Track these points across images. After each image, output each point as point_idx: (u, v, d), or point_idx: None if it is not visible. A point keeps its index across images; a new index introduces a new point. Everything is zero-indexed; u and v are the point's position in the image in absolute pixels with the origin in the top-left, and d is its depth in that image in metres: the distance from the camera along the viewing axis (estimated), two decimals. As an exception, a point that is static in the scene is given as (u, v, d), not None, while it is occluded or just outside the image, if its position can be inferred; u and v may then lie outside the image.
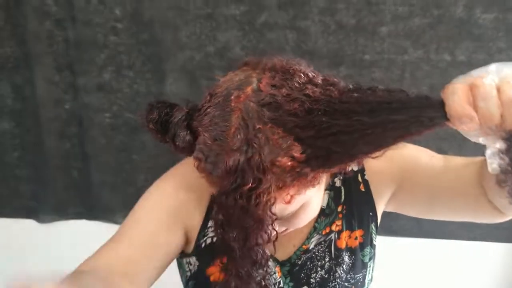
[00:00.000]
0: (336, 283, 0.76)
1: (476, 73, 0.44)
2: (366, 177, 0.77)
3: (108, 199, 1.45)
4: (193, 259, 0.74)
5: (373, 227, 0.79)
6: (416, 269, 1.52)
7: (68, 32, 1.27)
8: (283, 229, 0.67)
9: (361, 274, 0.78)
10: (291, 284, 0.77)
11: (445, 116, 0.45)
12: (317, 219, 0.76)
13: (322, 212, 0.76)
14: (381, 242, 1.41)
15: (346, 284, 0.77)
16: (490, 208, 0.68)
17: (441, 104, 0.45)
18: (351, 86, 0.52)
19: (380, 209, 0.79)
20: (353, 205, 0.77)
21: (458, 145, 1.32)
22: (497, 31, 1.19)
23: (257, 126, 0.50)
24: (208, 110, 0.55)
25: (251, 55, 1.24)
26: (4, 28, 1.29)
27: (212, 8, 1.22)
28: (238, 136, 0.51)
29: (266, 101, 0.51)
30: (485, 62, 1.30)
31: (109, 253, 0.66)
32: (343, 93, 0.51)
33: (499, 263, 1.50)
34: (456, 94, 0.43)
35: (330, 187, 0.77)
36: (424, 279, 1.53)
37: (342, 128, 0.48)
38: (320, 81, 0.53)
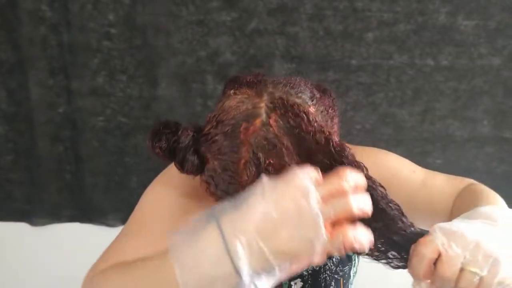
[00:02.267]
0: (326, 275, 0.79)
1: (451, 228, 0.51)
2: None
3: (101, 202, 1.46)
4: None
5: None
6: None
7: (62, 36, 1.29)
8: None
9: (347, 267, 0.81)
10: None
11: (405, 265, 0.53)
12: None
13: None
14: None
15: (335, 276, 0.79)
16: None
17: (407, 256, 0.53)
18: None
19: None
20: None
21: (442, 147, 1.36)
22: (478, 37, 1.24)
23: (267, 161, 0.52)
24: (216, 138, 0.56)
25: (241, 61, 1.28)
26: (-1, 32, 1.31)
27: (204, 15, 1.25)
28: (250, 169, 0.53)
29: (273, 142, 0.53)
30: (467, 67, 1.35)
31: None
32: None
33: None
34: (422, 261, 0.50)
35: None
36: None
37: None
38: (319, 127, 0.54)
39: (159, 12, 1.25)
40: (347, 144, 0.55)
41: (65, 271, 1.59)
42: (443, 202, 0.72)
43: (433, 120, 1.33)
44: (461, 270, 0.48)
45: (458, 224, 0.51)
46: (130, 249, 0.65)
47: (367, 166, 0.77)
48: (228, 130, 0.55)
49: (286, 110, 0.54)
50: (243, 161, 0.53)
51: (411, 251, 0.51)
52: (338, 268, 0.80)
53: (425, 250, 0.50)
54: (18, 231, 1.53)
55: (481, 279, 0.48)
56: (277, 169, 0.52)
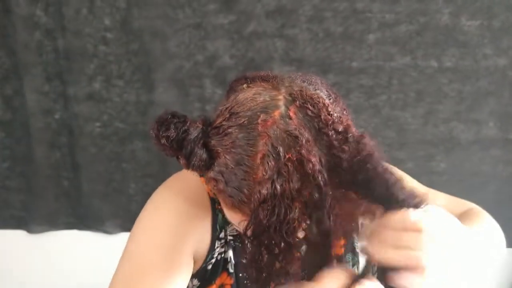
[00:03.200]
0: None
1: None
2: None
3: (99, 209, 1.44)
4: (194, 281, 0.71)
5: (355, 236, 0.79)
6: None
7: (57, 42, 1.27)
8: None
9: None
10: None
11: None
12: None
13: None
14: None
15: None
16: None
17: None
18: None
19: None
20: None
21: (446, 150, 1.33)
22: (482, 38, 1.21)
23: (287, 155, 0.48)
24: (230, 130, 0.52)
25: (240, 64, 1.26)
26: (-6, 38, 1.30)
27: (201, 18, 1.23)
28: (269, 164, 0.49)
29: (294, 134, 0.49)
30: (472, 68, 1.32)
31: None
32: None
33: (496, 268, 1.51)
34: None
35: None
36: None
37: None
38: (338, 117, 0.52)
39: (155, 16, 1.23)
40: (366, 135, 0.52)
41: (62, 278, 1.58)
42: None
43: (437, 123, 1.30)
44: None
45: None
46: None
47: None
48: (244, 121, 0.51)
49: (305, 101, 0.51)
50: (260, 155, 0.49)
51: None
52: None
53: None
54: (15, 239, 1.52)
55: None
56: (296, 165, 0.48)
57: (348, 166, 0.48)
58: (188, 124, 0.54)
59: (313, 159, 0.48)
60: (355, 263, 0.79)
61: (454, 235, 0.48)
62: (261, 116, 0.50)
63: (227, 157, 0.51)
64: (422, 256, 0.45)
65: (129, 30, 1.25)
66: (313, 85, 0.55)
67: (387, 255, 0.47)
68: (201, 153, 0.54)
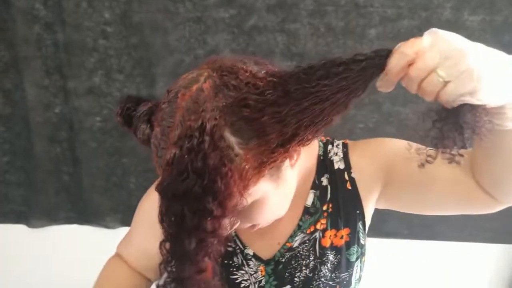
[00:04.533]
0: (320, 282, 0.76)
1: (441, 34, 0.48)
2: (352, 175, 0.77)
3: (99, 203, 1.44)
4: None
5: (361, 226, 0.78)
6: (406, 270, 1.53)
7: (57, 35, 1.27)
8: (237, 225, 0.65)
9: (346, 273, 0.78)
10: (274, 283, 0.77)
11: (383, 66, 0.50)
12: (301, 218, 0.76)
13: (307, 211, 0.76)
14: (372, 244, 1.42)
15: (330, 283, 0.76)
16: (482, 195, 0.68)
17: (387, 55, 0.50)
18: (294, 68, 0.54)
19: (368, 207, 0.79)
20: (339, 204, 0.76)
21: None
22: (484, 33, 1.21)
23: (188, 123, 0.52)
24: (163, 106, 0.57)
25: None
26: (-7, 32, 1.29)
27: (201, 12, 1.22)
28: (176, 132, 0.53)
29: (200, 102, 0.53)
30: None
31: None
32: (288, 74, 0.53)
33: (489, 264, 1.51)
34: (402, 59, 0.48)
35: (316, 186, 0.77)
36: (415, 281, 1.54)
37: (296, 101, 0.51)
38: (262, 75, 0.55)
39: (155, 10, 1.22)
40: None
41: (63, 273, 1.58)
42: (459, 168, 0.69)
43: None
44: (432, 71, 0.47)
45: (456, 35, 0.49)
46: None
47: (376, 155, 0.77)
48: (171, 97, 0.56)
49: (223, 71, 0.55)
50: (175, 125, 0.53)
51: (395, 48, 0.50)
52: (334, 274, 0.77)
53: (406, 48, 0.48)
54: (15, 233, 1.53)
55: (445, 85, 0.47)
56: (192, 133, 0.51)
57: (296, 89, 0.51)
58: (140, 105, 0.62)
59: (216, 122, 0.51)
60: (359, 256, 0.79)
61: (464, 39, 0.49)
62: (182, 91, 0.55)
63: (157, 129, 0.57)
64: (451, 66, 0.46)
65: (129, 24, 1.25)
66: (242, 61, 0.58)
67: (423, 90, 0.49)
68: (145, 128, 0.60)
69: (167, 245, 0.54)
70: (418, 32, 1.20)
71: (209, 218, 0.51)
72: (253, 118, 0.51)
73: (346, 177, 0.77)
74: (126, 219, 1.46)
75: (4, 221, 1.51)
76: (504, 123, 0.52)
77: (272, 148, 0.53)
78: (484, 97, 0.47)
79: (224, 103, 0.52)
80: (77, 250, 1.54)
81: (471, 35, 1.19)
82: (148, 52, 1.27)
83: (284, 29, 1.23)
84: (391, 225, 1.40)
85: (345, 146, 0.79)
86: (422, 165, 0.56)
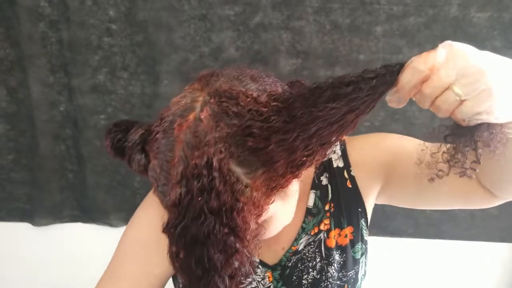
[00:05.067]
0: (328, 282, 0.75)
1: (457, 48, 0.45)
2: (352, 173, 0.76)
3: (103, 202, 1.44)
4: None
5: (363, 223, 0.78)
6: (412, 269, 1.52)
7: (62, 33, 1.27)
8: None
9: (353, 271, 0.77)
10: (282, 287, 0.76)
11: (394, 82, 0.48)
12: (304, 219, 0.75)
13: (309, 212, 0.76)
14: (378, 243, 1.42)
15: (338, 282, 0.76)
16: (481, 191, 0.67)
17: (399, 70, 0.48)
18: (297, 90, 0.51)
19: (369, 204, 0.78)
20: (341, 203, 0.76)
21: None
22: (492, 30, 1.19)
23: (192, 162, 0.48)
24: (157, 136, 0.53)
25: (246, 56, 1.25)
26: (-3, 30, 1.29)
27: (206, 9, 1.21)
28: (179, 169, 0.49)
29: (200, 136, 0.49)
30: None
31: None
32: (292, 99, 0.50)
33: (496, 263, 1.50)
34: (415, 75, 0.46)
35: (316, 186, 0.76)
36: (421, 280, 1.53)
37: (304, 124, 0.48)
38: (264, 99, 0.51)
39: (160, 7, 1.22)
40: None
41: (67, 272, 1.58)
42: None
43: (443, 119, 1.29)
44: (447, 88, 0.45)
45: (472, 49, 0.46)
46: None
47: (375, 151, 0.75)
48: (166, 127, 0.52)
49: (221, 96, 0.51)
50: (175, 160, 0.50)
51: (407, 63, 0.48)
52: (341, 273, 0.76)
53: (420, 64, 0.46)
54: (20, 231, 1.52)
55: (461, 103, 0.45)
56: (200, 171, 0.48)
57: (303, 112, 0.48)
58: (129, 133, 0.58)
59: (222, 156, 0.48)
60: (364, 252, 0.79)
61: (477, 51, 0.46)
62: (178, 121, 0.51)
63: (155, 162, 0.53)
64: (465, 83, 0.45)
65: (134, 22, 1.24)
66: (243, 81, 0.54)
67: (438, 108, 0.47)
68: (140, 158, 0.57)
69: None
70: (424, 29, 1.19)
71: (234, 254, 0.49)
72: (259, 148, 0.48)
73: (346, 175, 0.76)
74: (130, 218, 1.44)
75: (9, 219, 1.51)
76: None
77: (280, 174, 0.50)
78: (501, 116, 0.45)
79: (226, 133, 0.48)
80: (81, 248, 1.54)
81: (479, 32, 1.19)
82: (153, 50, 1.26)
83: (290, 27, 1.22)
84: (397, 224, 1.39)
85: (342, 143, 0.78)
86: (432, 180, 0.54)
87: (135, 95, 1.32)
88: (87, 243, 1.51)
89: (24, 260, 1.58)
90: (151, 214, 0.70)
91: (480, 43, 1.20)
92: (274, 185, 0.51)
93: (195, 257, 0.49)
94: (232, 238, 0.48)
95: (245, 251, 0.50)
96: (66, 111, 1.36)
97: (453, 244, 1.43)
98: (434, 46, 1.30)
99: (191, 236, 0.48)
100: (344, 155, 0.77)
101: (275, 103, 0.50)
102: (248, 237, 0.50)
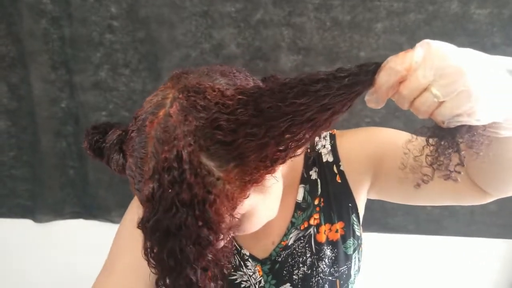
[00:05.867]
0: (319, 277, 0.75)
1: (435, 48, 0.44)
2: (341, 167, 0.76)
3: (104, 198, 1.44)
4: None
5: (354, 218, 0.77)
6: (412, 265, 1.52)
7: (63, 30, 1.27)
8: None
9: (345, 266, 0.77)
10: (273, 282, 0.76)
11: (371, 82, 0.46)
12: (293, 214, 0.75)
13: (299, 206, 0.75)
14: (379, 239, 1.42)
15: (330, 278, 0.76)
16: (471, 189, 0.67)
17: (374, 70, 0.46)
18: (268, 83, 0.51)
19: (360, 199, 0.78)
20: (330, 198, 0.75)
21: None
22: (492, 26, 1.20)
23: (162, 155, 0.49)
24: (132, 134, 0.54)
25: (247, 53, 1.25)
26: (-1, 26, 1.29)
27: (208, 6, 1.22)
28: (150, 164, 0.50)
29: (170, 130, 0.50)
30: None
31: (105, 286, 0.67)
32: (262, 91, 0.50)
33: (496, 259, 1.50)
34: (392, 76, 0.45)
35: (306, 180, 0.76)
36: (421, 276, 1.53)
37: (272, 119, 0.47)
38: (231, 92, 0.51)
39: (162, 4, 1.22)
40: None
41: (68, 268, 1.59)
42: None
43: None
44: (425, 89, 0.44)
45: (451, 48, 0.44)
46: (117, 279, 0.68)
47: (364, 145, 0.74)
48: (139, 125, 0.53)
49: (189, 91, 0.51)
50: (148, 156, 0.51)
51: (383, 63, 0.46)
52: (333, 269, 0.76)
53: (396, 65, 0.45)
54: (22, 228, 1.53)
55: (440, 104, 0.44)
56: (170, 164, 0.48)
57: (273, 105, 0.47)
58: (107, 134, 0.59)
59: (191, 148, 0.48)
60: (356, 247, 0.78)
61: (457, 49, 0.45)
62: (149, 118, 0.52)
63: (130, 160, 0.54)
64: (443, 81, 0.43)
65: (136, 18, 1.24)
66: (207, 75, 0.55)
67: (416, 109, 0.46)
68: (118, 158, 0.58)
69: (168, 280, 0.51)
70: (425, 25, 1.20)
71: (208, 246, 0.49)
72: (227, 142, 0.48)
73: (335, 170, 0.76)
74: (131, 214, 1.45)
75: (10, 215, 1.51)
76: (499, 132, 0.49)
77: (253, 168, 0.50)
78: (482, 117, 0.44)
79: (195, 126, 0.49)
80: (82, 245, 1.54)
81: (479, 29, 1.20)
82: (154, 47, 1.26)
83: (290, 23, 1.22)
84: (397, 220, 1.39)
85: (332, 137, 0.78)
86: (417, 185, 0.53)
87: (137, 92, 1.32)
88: (88, 240, 1.52)
89: (25, 256, 1.59)
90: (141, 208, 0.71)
91: (480, 40, 1.21)
92: (248, 179, 0.50)
93: (168, 249, 0.49)
94: (205, 230, 0.48)
95: (219, 243, 0.50)
96: (68, 107, 1.36)
97: (453, 240, 1.44)
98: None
99: (164, 229, 0.48)
100: (334, 150, 0.76)
101: (241, 96, 0.49)
102: (222, 230, 0.50)
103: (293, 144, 0.49)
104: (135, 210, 0.72)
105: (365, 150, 0.75)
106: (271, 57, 1.25)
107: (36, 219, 1.50)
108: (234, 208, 0.51)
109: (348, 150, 0.76)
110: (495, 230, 1.39)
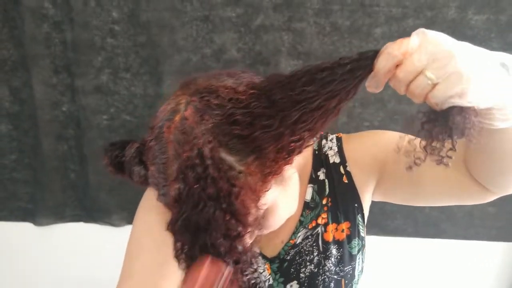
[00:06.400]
0: (325, 276, 0.76)
1: (429, 35, 0.48)
2: (348, 168, 0.78)
3: (105, 201, 1.45)
4: None
5: (360, 218, 0.79)
6: (411, 268, 1.53)
7: (65, 34, 1.28)
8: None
9: (350, 266, 0.78)
10: (280, 280, 0.77)
11: (371, 67, 0.50)
12: (302, 213, 0.77)
13: (307, 205, 0.77)
14: (378, 242, 1.43)
15: (335, 277, 0.77)
16: (475, 187, 0.68)
17: (374, 56, 0.50)
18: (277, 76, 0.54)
19: (366, 200, 0.79)
20: (337, 198, 0.77)
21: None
22: (489, 32, 1.21)
23: (184, 155, 0.51)
24: (150, 144, 0.56)
25: (247, 58, 1.26)
26: (1, 30, 1.30)
27: (209, 10, 1.23)
28: (173, 167, 0.52)
29: (188, 131, 0.52)
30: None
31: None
32: (272, 83, 0.52)
33: (494, 261, 1.51)
34: (389, 60, 0.48)
35: (314, 181, 0.78)
36: (420, 278, 1.54)
37: (283, 109, 0.50)
38: (242, 88, 0.54)
39: (163, 8, 1.23)
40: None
41: (69, 271, 1.59)
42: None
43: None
44: (420, 73, 0.47)
45: (444, 36, 0.48)
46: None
47: (370, 147, 0.77)
48: (157, 133, 0.55)
49: (201, 93, 0.54)
50: (169, 160, 0.53)
51: (382, 49, 0.50)
52: (338, 268, 0.77)
53: (394, 49, 0.48)
54: (22, 231, 1.53)
55: (434, 87, 0.47)
56: (192, 162, 0.50)
57: (280, 97, 0.51)
58: (125, 149, 0.61)
59: (211, 145, 0.50)
60: (361, 248, 0.80)
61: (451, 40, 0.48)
62: (166, 124, 0.54)
63: (152, 168, 0.56)
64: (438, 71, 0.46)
65: (137, 23, 1.26)
66: (216, 78, 0.57)
67: (411, 92, 0.48)
68: (139, 170, 0.60)
69: None
70: (423, 31, 1.21)
71: (237, 238, 0.51)
72: (245, 135, 0.51)
73: (342, 171, 0.78)
74: (132, 217, 1.44)
75: (11, 218, 1.52)
76: (493, 123, 0.51)
77: (271, 160, 0.52)
78: (473, 99, 0.47)
79: (212, 124, 0.51)
80: (83, 248, 1.55)
81: (476, 35, 1.21)
82: (155, 51, 1.28)
83: (291, 28, 1.24)
84: (397, 223, 1.40)
85: (339, 140, 0.80)
86: (410, 168, 0.55)
87: (138, 96, 1.33)
88: (89, 243, 1.52)
89: (26, 259, 1.59)
90: (153, 209, 0.71)
91: (477, 45, 1.20)
92: (268, 171, 0.53)
93: (199, 245, 0.51)
94: (233, 222, 0.50)
95: (247, 236, 0.52)
96: (69, 111, 1.37)
97: (452, 243, 1.44)
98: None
99: (193, 225, 0.50)
100: (340, 151, 0.78)
101: (253, 91, 0.53)
102: (249, 222, 0.52)
103: (306, 133, 0.51)
104: (146, 211, 0.72)
105: (371, 151, 0.77)
106: (272, 62, 1.27)
107: (36, 222, 1.51)
108: (258, 200, 0.53)
109: (354, 151, 0.78)
110: (494, 233, 1.40)
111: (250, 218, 0.52)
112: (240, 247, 0.52)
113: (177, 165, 0.51)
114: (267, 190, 0.54)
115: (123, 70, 1.31)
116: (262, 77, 0.61)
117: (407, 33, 1.26)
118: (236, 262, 0.52)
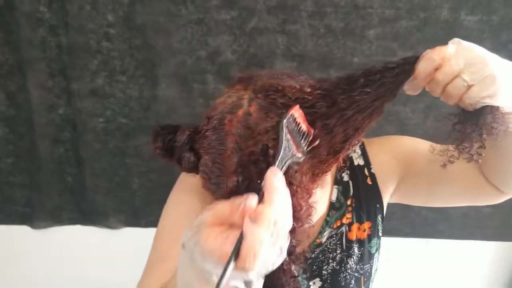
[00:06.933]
0: (347, 273, 0.79)
1: (464, 43, 0.54)
2: (372, 170, 0.81)
3: (102, 204, 1.45)
4: None
5: (380, 219, 0.82)
6: (408, 268, 1.54)
7: (61, 38, 1.28)
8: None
9: (368, 265, 0.81)
10: (304, 276, 0.80)
11: (412, 71, 0.55)
12: (328, 213, 0.79)
13: (333, 206, 0.79)
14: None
15: (356, 274, 0.80)
16: (488, 187, 0.73)
17: (415, 61, 0.56)
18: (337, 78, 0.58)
19: (386, 201, 0.83)
20: (361, 198, 0.80)
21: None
22: (482, 33, 1.22)
23: (248, 150, 0.53)
24: (207, 133, 0.58)
25: (242, 60, 1.27)
26: (-3, 35, 1.30)
27: (203, 13, 1.24)
28: (234, 159, 0.54)
29: (252, 127, 0.54)
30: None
31: (161, 273, 0.65)
32: (333, 84, 0.57)
33: (489, 261, 1.52)
34: (430, 64, 0.54)
35: (339, 182, 0.80)
36: (416, 278, 1.55)
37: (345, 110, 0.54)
38: (308, 89, 0.57)
39: (158, 12, 1.24)
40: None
41: (66, 274, 1.59)
42: (464, 163, 0.74)
43: (438, 117, 1.31)
44: (457, 76, 0.53)
45: (475, 45, 0.55)
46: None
47: (393, 151, 0.81)
48: (215, 124, 0.57)
49: (267, 90, 0.56)
50: (228, 152, 0.55)
51: (422, 55, 0.55)
52: (359, 266, 0.80)
53: (434, 55, 0.53)
54: (19, 234, 1.53)
55: (468, 88, 0.52)
56: (256, 157, 0.52)
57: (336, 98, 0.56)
58: (177, 134, 0.63)
59: (274, 143, 0.53)
60: (378, 248, 0.82)
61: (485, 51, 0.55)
62: (227, 117, 0.56)
63: (206, 157, 0.58)
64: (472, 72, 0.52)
65: (132, 26, 1.26)
66: (277, 77, 0.60)
67: (445, 93, 0.54)
68: (189, 156, 0.61)
69: None
70: (416, 32, 1.22)
71: (292, 233, 0.53)
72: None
73: (366, 172, 0.81)
74: (129, 220, 1.47)
75: (8, 222, 1.52)
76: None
77: (322, 159, 0.56)
78: (502, 100, 0.53)
79: (276, 122, 0.54)
80: (80, 251, 1.55)
81: (469, 35, 1.22)
82: (151, 54, 1.28)
83: (285, 30, 1.24)
84: (393, 223, 1.41)
85: (362, 143, 0.84)
86: (444, 165, 0.61)
87: (134, 98, 1.34)
88: (86, 246, 1.53)
89: (23, 263, 1.59)
90: (186, 197, 0.74)
91: (470, 46, 1.23)
92: (318, 170, 0.57)
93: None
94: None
95: (300, 231, 0.55)
96: (65, 114, 1.37)
97: (448, 243, 1.45)
98: (426, 48, 1.33)
99: None
100: (364, 154, 0.82)
101: (319, 91, 0.56)
102: (303, 217, 0.55)
103: (354, 132, 0.56)
104: (187, 192, 0.74)
105: (396, 154, 0.81)
106: (266, 64, 1.27)
107: (34, 226, 1.51)
108: (309, 198, 0.56)
109: (378, 154, 0.82)
110: (489, 233, 1.41)
111: (303, 215, 0.55)
112: (294, 241, 0.54)
113: (238, 158, 0.53)
114: (315, 189, 0.58)
115: (119, 73, 1.32)
116: (314, 79, 0.63)
117: (400, 34, 1.29)
118: (289, 254, 0.55)
